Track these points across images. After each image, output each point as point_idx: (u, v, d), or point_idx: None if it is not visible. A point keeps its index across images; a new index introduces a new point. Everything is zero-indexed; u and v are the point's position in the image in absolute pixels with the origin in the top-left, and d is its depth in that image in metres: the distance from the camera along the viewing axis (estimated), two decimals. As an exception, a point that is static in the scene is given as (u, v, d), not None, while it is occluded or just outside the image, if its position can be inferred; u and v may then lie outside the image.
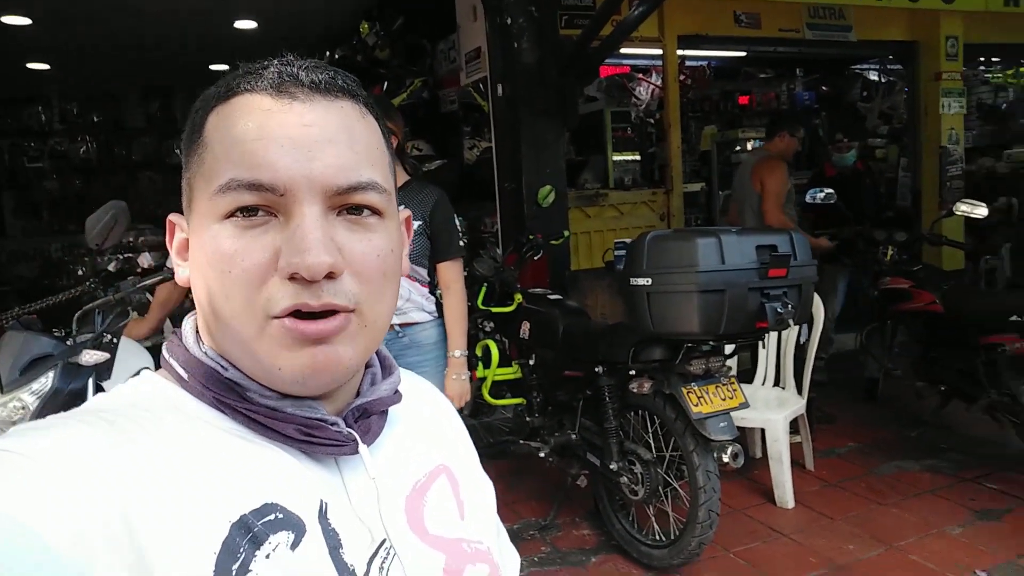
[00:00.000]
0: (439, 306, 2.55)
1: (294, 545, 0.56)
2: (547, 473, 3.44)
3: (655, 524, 2.87)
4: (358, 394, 0.68)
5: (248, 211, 0.57)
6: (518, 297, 3.55)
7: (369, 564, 0.60)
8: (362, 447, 0.64)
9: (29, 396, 2.18)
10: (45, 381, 2.21)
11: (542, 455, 3.20)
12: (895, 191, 7.08)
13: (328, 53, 6.68)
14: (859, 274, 4.66)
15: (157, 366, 0.67)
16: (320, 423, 0.61)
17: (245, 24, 6.21)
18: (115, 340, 2.38)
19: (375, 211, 0.61)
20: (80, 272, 7.07)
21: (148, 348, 2.83)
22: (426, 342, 2.49)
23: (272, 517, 0.56)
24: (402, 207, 0.73)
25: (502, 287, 3.61)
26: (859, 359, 4.73)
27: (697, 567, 2.82)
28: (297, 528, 0.57)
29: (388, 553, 0.62)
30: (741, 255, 2.48)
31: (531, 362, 3.42)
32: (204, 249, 0.59)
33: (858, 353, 4.84)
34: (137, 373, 0.68)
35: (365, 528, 0.62)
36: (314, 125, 0.58)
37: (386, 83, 5.92)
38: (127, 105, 8.73)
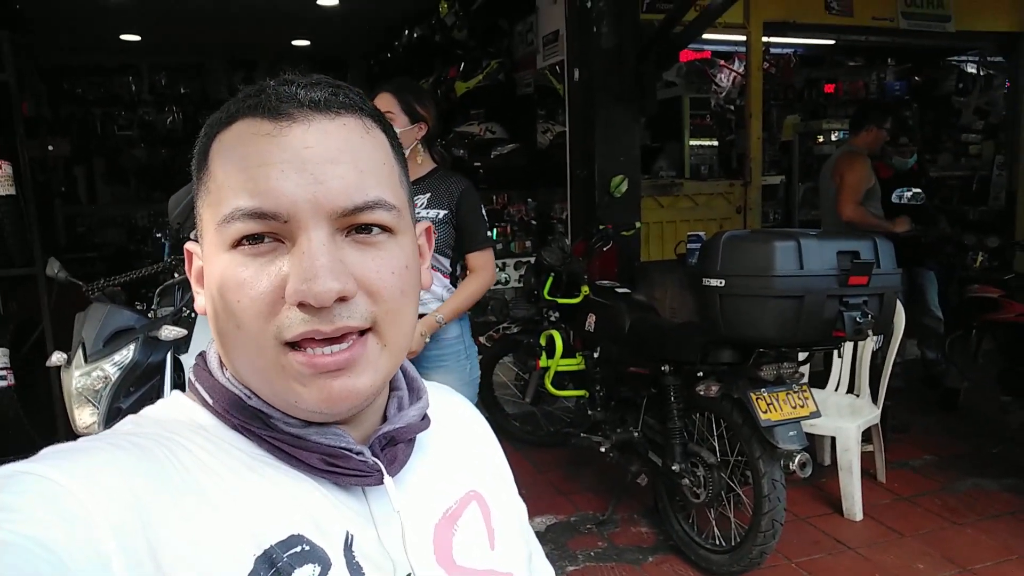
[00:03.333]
0: None
1: None
2: (607, 466, 3.40)
3: (716, 528, 2.82)
4: (385, 419, 0.67)
5: (254, 239, 0.56)
6: (585, 289, 3.52)
7: None
8: (387, 479, 0.62)
9: (111, 367, 2.27)
10: (127, 353, 2.29)
11: (602, 450, 3.17)
12: (988, 191, 6.74)
13: (407, 32, 6.70)
14: (944, 279, 4.45)
15: None
16: (345, 452, 0.60)
17: (327, 1, 6.29)
18: (193, 316, 2.46)
19: (385, 228, 0.59)
20: (163, 242, 7.31)
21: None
22: (444, 336, 2.37)
23: (298, 549, 0.55)
24: (423, 216, 0.70)
25: (569, 278, 3.57)
26: (938, 367, 4.54)
27: (757, 575, 2.76)
28: (323, 562, 0.56)
29: None
30: (821, 260, 2.39)
31: (595, 355, 3.38)
32: (214, 279, 0.58)
33: (926, 360, 4.65)
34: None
35: (391, 562, 0.61)
36: (315, 146, 0.56)
37: (463, 64, 5.91)
38: (212, 78, 8.98)
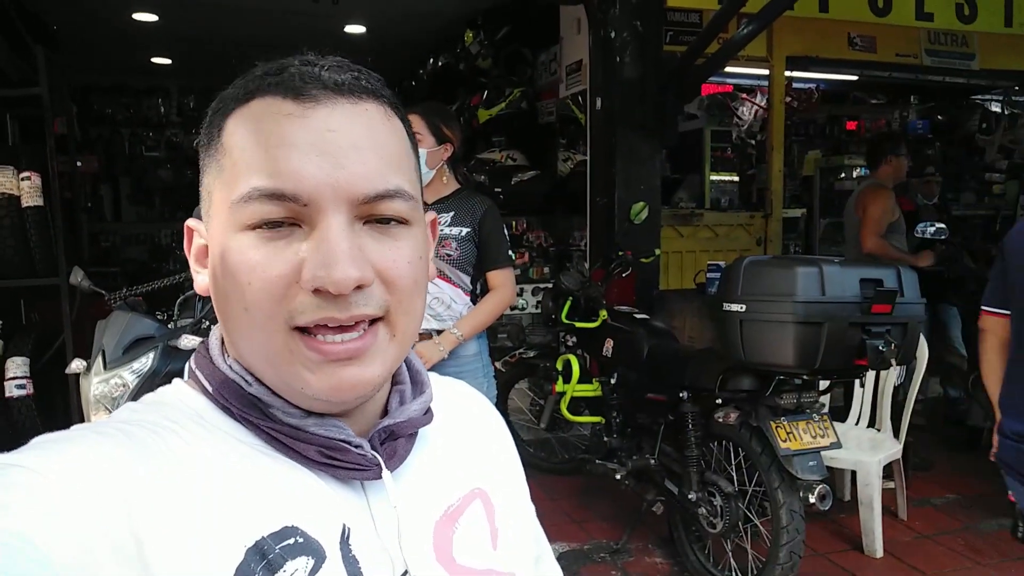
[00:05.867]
0: None
1: (312, 572, 0.54)
2: (622, 495, 3.36)
3: (732, 560, 2.76)
4: (386, 412, 0.65)
5: (272, 224, 0.54)
6: (603, 313, 3.50)
7: None
8: (385, 473, 0.61)
9: (129, 375, 2.27)
10: (145, 361, 2.30)
11: (618, 477, 3.13)
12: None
13: (431, 60, 6.79)
14: (968, 315, 4.38)
15: None
16: (343, 445, 0.59)
17: (355, 28, 6.39)
18: (213, 326, 2.47)
19: (402, 220, 0.58)
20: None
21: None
22: (463, 353, 2.38)
23: (291, 541, 0.54)
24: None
25: (587, 302, 3.56)
26: (961, 406, 4.46)
27: (773, 610, 2.69)
28: (317, 554, 0.55)
29: None
30: (843, 287, 2.37)
31: (612, 381, 3.36)
32: (224, 259, 0.56)
33: (949, 399, 4.57)
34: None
35: (388, 556, 0.59)
36: (339, 130, 0.55)
37: (486, 92, 5.97)
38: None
